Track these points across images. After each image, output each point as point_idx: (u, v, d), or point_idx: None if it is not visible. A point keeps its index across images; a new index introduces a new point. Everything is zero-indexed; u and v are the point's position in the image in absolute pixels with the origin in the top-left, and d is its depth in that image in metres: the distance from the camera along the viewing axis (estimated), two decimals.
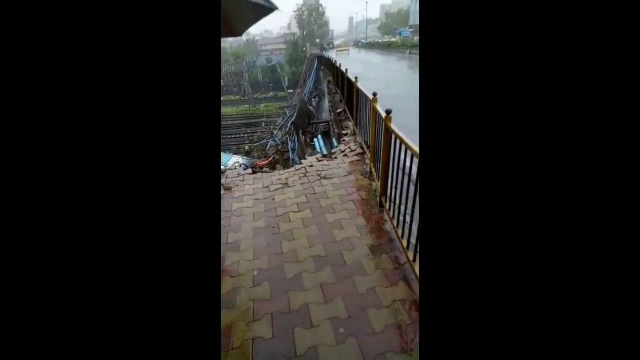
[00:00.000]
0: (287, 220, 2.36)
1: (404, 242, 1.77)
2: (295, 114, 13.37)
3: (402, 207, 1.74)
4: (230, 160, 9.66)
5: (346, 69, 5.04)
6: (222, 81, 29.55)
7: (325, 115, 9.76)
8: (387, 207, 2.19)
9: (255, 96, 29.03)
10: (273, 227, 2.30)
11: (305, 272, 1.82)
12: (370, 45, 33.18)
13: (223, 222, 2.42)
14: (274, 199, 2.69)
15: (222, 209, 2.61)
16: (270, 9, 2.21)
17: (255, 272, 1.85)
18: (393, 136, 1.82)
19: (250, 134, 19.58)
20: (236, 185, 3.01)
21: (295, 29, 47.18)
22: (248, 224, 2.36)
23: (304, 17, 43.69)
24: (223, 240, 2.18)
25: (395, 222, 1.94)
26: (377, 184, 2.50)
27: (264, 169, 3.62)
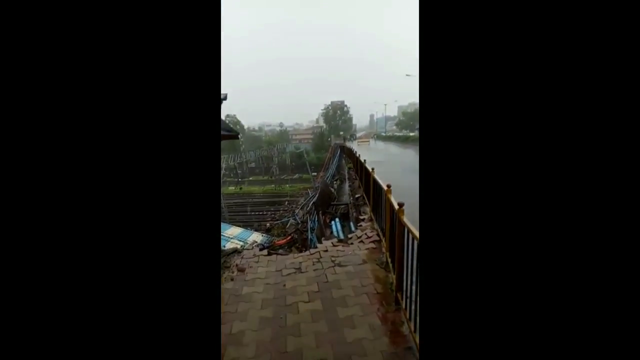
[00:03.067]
0: (295, 311, 2.22)
1: None
2: (318, 194, 13.97)
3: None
4: (250, 237, 9.76)
5: (364, 160, 5.52)
6: (253, 163, 32.91)
7: (345, 198, 10.09)
8: (404, 305, 2.02)
9: (282, 177, 31.42)
10: (281, 317, 2.16)
11: None
12: (389, 138, 36.75)
13: (230, 307, 2.32)
14: (284, 285, 2.61)
15: (231, 293, 2.55)
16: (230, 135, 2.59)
17: None
18: (406, 230, 1.85)
19: (272, 212, 20.22)
20: (250, 267, 3.00)
21: (322, 122, 54.64)
22: (255, 312, 2.24)
23: (330, 113, 51.19)
24: (226, 330, 2.05)
25: (412, 326, 1.75)
26: (393, 277, 2.38)
27: (280, 251, 3.63)
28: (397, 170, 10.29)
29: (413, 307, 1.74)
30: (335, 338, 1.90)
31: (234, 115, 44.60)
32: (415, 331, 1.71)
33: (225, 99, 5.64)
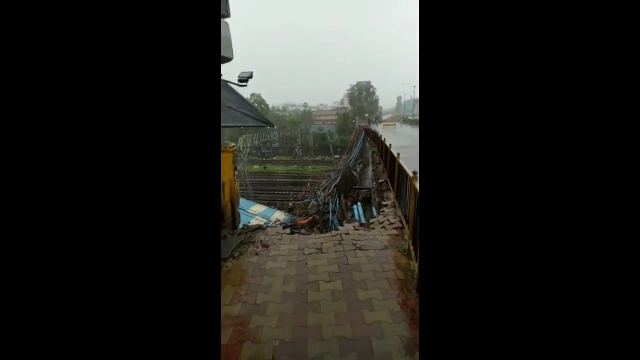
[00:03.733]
0: (316, 289, 2.31)
1: None
2: (340, 177, 13.96)
3: None
4: (273, 215, 10.12)
5: (390, 144, 5.35)
6: (277, 143, 33.29)
7: (368, 182, 9.99)
8: None
9: (305, 158, 31.64)
10: (302, 294, 2.25)
11: (328, 354, 1.68)
12: (416, 122, 35.09)
13: (255, 280, 2.46)
14: (306, 264, 2.70)
15: (256, 266, 2.70)
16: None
17: (277, 343, 1.77)
18: None
19: (295, 192, 20.64)
20: (273, 244, 3.13)
21: (347, 104, 53.22)
22: (278, 286, 2.36)
23: (355, 94, 49.53)
24: (251, 301, 2.19)
25: None
26: (415, 264, 2.36)
27: (302, 230, 3.73)
28: None
29: None
30: (354, 318, 1.96)
31: (259, 94, 44.74)
32: None
33: (251, 77, 5.64)
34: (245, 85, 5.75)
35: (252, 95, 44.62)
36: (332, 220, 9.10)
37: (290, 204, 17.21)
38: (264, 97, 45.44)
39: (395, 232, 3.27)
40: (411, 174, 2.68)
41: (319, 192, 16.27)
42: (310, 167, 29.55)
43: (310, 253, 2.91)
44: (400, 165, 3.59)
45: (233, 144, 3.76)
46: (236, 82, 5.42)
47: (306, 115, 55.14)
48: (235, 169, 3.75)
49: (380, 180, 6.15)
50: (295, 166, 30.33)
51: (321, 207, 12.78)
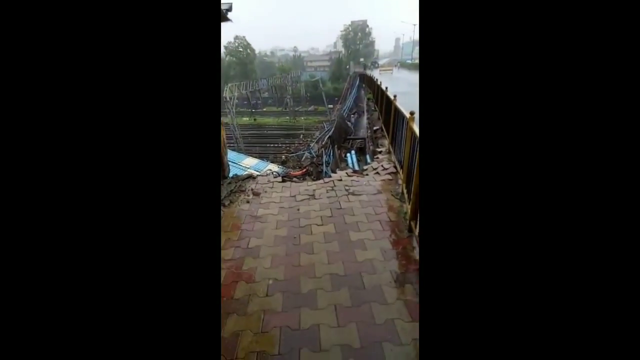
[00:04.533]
0: (309, 232, 2.32)
1: None
2: (333, 128, 13.56)
3: None
4: (266, 168, 10.04)
5: (386, 87, 4.99)
6: (266, 93, 31.41)
7: (363, 132, 9.72)
8: (417, 232, 2.03)
9: (297, 109, 30.26)
10: (294, 237, 2.27)
11: (320, 289, 1.73)
12: (415, 67, 32.89)
13: (247, 226, 2.45)
14: (299, 210, 2.68)
15: (248, 213, 2.67)
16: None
17: (271, 282, 1.82)
18: None
19: (288, 145, 20.27)
20: (265, 192, 3.07)
21: (340, 47, 48.86)
22: (270, 231, 2.36)
23: (350, 36, 45.12)
24: (244, 245, 2.20)
25: None
26: (408, 207, 2.35)
27: (294, 179, 3.66)
28: None
29: None
30: (347, 257, 2.00)
31: (244, 37, 40.37)
32: None
33: (230, 9, 4.89)
34: (230, 20, 5.02)
35: (236, 38, 40.31)
36: (325, 172, 9.10)
37: (283, 156, 17.06)
38: (249, 40, 41.11)
39: (389, 177, 3.22)
40: (408, 115, 2.50)
41: (312, 144, 16.00)
42: (302, 118, 28.47)
43: (303, 199, 2.87)
44: (397, 108, 3.37)
45: None
46: None
47: (297, 61, 51.04)
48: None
49: (375, 128, 5.93)
50: (287, 118, 29.18)
51: (315, 159, 12.69)
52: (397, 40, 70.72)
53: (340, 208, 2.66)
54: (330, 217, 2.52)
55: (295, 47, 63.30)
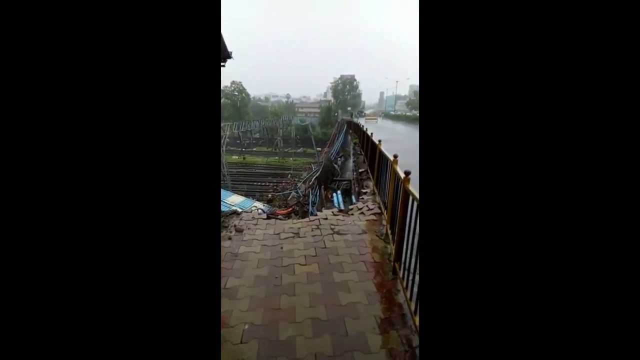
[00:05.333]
0: (291, 272, 2.22)
1: (417, 320, 1.53)
2: (321, 169, 13.89)
3: (417, 277, 1.57)
4: (251, 206, 9.87)
5: (372, 133, 5.33)
6: (257, 134, 32.44)
7: (349, 174, 10.00)
8: (401, 275, 1.99)
9: (286, 150, 31.14)
10: (276, 277, 2.15)
11: (300, 336, 1.60)
12: (398, 117, 35.66)
13: (226, 264, 2.32)
14: (282, 248, 2.60)
15: (228, 251, 2.55)
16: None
17: (246, 327, 1.67)
18: (411, 198, 1.77)
19: (275, 184, 20.32)
20: (248, 229, 2.98)
21: (330, 97, 52.91)
22: (251, 271, 2.24)
23: (339, 87, 49.31)
24: (221, 285, 2.06)
25: (408, 294, 1.73)
26: (392, 248, 2.34)
27: (279, 217, 3.61)
28: (403, 148, 9.95)
29: (410, 277, 1.70)
30: (330, 300, 1.90)
31: (240, 82, 43.15)
32: (411, 299, 1.69)
33: (230, 57, 5.33)
34: (224, 66, 5.42)
35: (233, 82, 42.99)
36: (311, 211, 9.05)
37: (270, 195, 16.94)
38: (245, 85, 43.91)
39: (373, 217, 3.25)
40: (392, 158, 2.65)
41: (299, 184, 16.13)
42: (291, 159, 29.14)
43: (287, 237, 2.80)
44: (381, 152, 3.56)
45: None
46: None
47: (289, 107, 54.18)
48: None
49: (360, 170, 6.15)
50: (276, 158, 29.77)
51: (301, 198, 12.68)
52: (382, 93, 77.71)
53: (325, 247, 2.60)
54: (314, 256, 2.45)
55: (288, 94, 67.84)
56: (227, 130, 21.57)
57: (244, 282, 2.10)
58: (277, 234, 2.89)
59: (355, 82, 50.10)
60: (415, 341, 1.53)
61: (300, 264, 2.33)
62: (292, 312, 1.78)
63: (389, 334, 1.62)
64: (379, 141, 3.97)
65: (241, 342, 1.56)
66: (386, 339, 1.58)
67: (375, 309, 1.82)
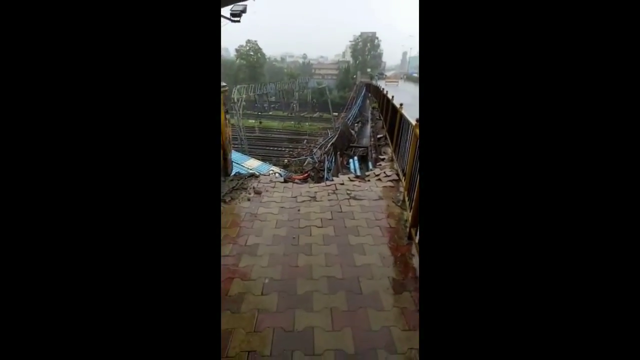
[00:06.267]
0: (308, 234, 2.29)
1: None
2: (337, 135, 13.61)
3: None
4: (267, 171, 10.05)
5: (392, 96, 5.02)
6: (273, 97, 31.66)
7: (366, 141, 9.74)
8: (417, 240, 2.00)
9: (302, 115, 30.48)
10: (293, 237, 2.24)
11: (317, 291, 1.70)
12: None
13: (246, 224, 2.43)
14: (299, 210, 2.66)
15: (248, 211, 2.65)
16: None
17: (267, 281, 1.79)
18: None
19: (291, 149, 20.33)
20: (266, 191, 3.05)
21: (349, 57, 49.51)
22: (270, 230, 2.34)
23: (358, 46, 45.75)
24: (242, 242, 2.18)
25: None
26: (409, 214, 2.33)
27: (296, 181, 3.65)
28: None
29: None
30: (345, 261, 1.97)
31: (255, 41, 40.98)
32: None
33: (244, 11, 4.96)
34: (239, 21, 5.09)
35: (248, 41, 40.91)
36: (326, 178, 9.10)
37: (286, 160, 17.09)
38: (260, 44, 41.71)
39: (391, 184, 3.20)
40: (414, 122, 2.50)
41: (315, 150, 16.04)
42: (307, 124, 28.63)
43: (304, 201, 2.85)
44: (402, 116, 3.38)
45: (224, 84, 3.41)
46: (228, 16, 4.78)
47: (305, 68, 51.66)
48: (226, 112, 3.47)
49: (378, 136, 5.94)
50: (292, 122, 29.34)
51: (317, 164, 12.70)
52: (404, 54, 71.66)
53: (341, 211, 2.63)
54: (330, 219, 2.50)
55: (304, 54, 64.19)
56: (243, 92, 21.16)
57: (264, 240, 2.20)
58: (294, 197, 2.94)
59: (376, 41, 46.08)
60: None
61: (316, 226, 2.39)
62: (309, 270, 1.88)
63: (401, 295, 1.68)
64: (400, 105, 3.74)
65: (262, 294, 1.68)
66: (399, 298, 1.65)
67: (389, 271, 1.87)
